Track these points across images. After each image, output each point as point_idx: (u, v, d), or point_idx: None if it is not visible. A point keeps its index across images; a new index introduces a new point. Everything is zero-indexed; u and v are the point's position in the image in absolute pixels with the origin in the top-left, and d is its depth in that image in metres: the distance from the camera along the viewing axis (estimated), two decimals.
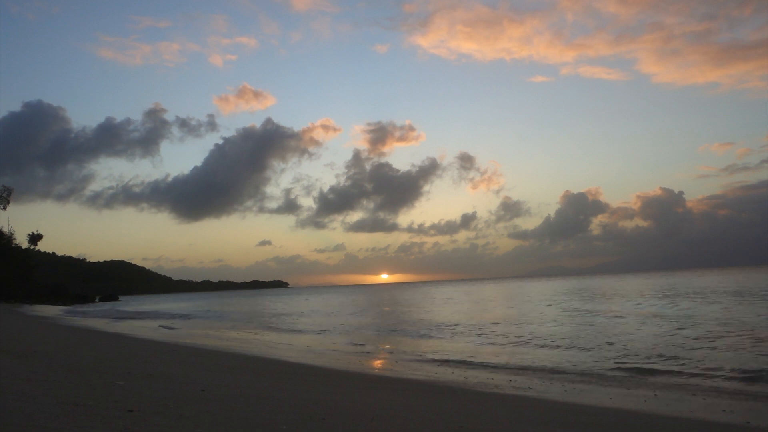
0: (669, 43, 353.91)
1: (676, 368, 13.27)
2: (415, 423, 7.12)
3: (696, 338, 17.84)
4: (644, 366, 13.76)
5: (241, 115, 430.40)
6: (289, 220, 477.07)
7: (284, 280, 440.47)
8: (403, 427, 6.71)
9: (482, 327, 25.92)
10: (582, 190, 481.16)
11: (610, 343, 17.80)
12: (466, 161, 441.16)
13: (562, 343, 18.74)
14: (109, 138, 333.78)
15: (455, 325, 27.21)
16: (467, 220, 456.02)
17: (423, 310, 42.44)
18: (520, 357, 16.24)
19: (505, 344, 19.27)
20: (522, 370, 14.13)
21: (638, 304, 36.71)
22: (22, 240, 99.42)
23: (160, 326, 34.18)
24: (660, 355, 15.08)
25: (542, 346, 18.23)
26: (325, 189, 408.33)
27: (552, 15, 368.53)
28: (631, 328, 21.68)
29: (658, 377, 12.54)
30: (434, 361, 16.12)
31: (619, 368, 13.68)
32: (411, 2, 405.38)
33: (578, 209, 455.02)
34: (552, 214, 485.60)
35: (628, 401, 9.99)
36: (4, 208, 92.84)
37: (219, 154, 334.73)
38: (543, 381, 12.35)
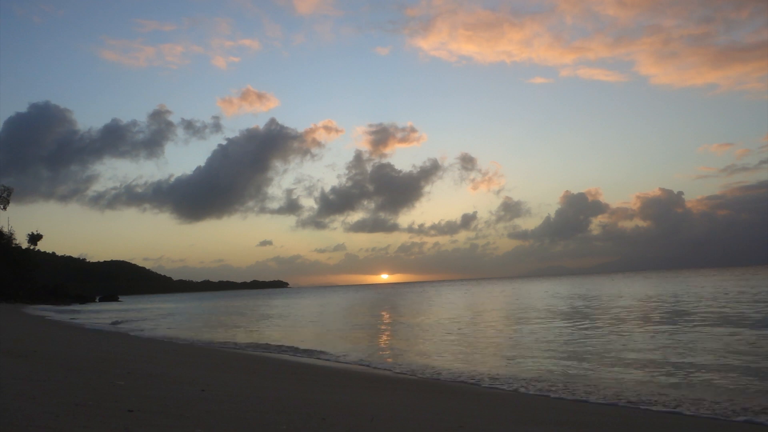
0: (667, 46, 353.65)
1: (675, 368, 13.27)
2: (415, 423, 7.13)
3: (696, 340, 17.86)
4: (642, 365, 13.76)
5: (244, 116, 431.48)
6: (290, 220, 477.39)
7: (284, 280, 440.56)
8: (403, 427, 6.71)
9: (481, 327, 25.96)
10: (582, 191, 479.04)
11: (609, 343, 17.83)
12: (467, 162, 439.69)
13: (561, 342, 18.77)
14: (114, 139, 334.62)
15: (455, 325, 27.23)
16: (468, 221, 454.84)
17: (423, 311, 42.47)
18: (520, 356, 16.24)
19: (505, 345, 19.29)
20: (521, 369, 14.12)
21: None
22: (22, 240, 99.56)
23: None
24: (658, 354, 15.10)
25: (541, 346, 18.25)
26: (327, 189, 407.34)
27: (551, 18, 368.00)
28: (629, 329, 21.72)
29: (657, 376, 12.54)
30: (433, 361, 16.12)
31: (619, 369, 13.69)
32: (413, 6, 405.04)
33: (578, 209, 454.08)
34: (552, 214, 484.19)
35: (631, 399, 9.98)
36: (4, 208, 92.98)
37: (222, 154, 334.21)
38: (542, 381, 12.35)
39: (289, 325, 32.72)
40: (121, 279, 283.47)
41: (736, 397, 9.89)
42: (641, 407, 9.37)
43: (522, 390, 11.26)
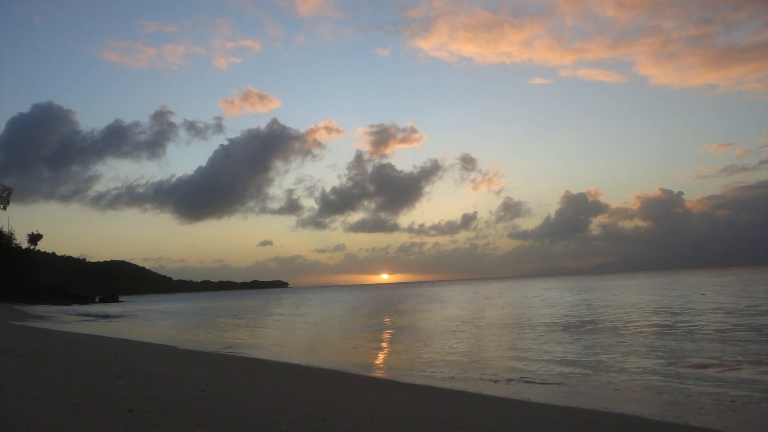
0: (666, 47, 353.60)
1: (676, 373, 13.27)
2: (415, 423, 7.13)
3: (700, 346, 17.87)
4: (647, 371, 13.78)
5: (245, 117, 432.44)
6: (290, 220, 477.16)
7: (284, 280, 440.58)
8: (403, 427, 6.72)
9: (481, 328, 25.97)
10: (582, 191, 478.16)
11: (611, 346, 17.85)
12: (467, 162, 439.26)
13: (561, 347, 18.78)
14: (117, 140, 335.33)
15: (455, 327, 27.25)
16: (468, 221, 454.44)
17: (423, 312, 42.46)
18: (520, 357, 16.25)
19: (505, 346, 19.30)
20: (521, 370, 14.12)
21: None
22: (22, 240, 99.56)
23: None
24: (662, 359, 15.11)
25: (541, 348, 18.25)
26: (327, 189, 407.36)
27: (551, 19, 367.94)
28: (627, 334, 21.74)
29: (661, 382, 12.55)
30: (433, 362, 16.12)
31: (619, 371, 13.70)
32: (413, 8, 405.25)
33: (578, 209, 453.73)
34: (552, 214, 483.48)
35: (630, 405, 9.99)
36: (4, 208, 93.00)
37: (223, 155, 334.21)
38: (543, 382, 12.35)
39: (285, 328, 32.72)
40: (121, 279, 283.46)
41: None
42: (641, 416, 9.37)
43: (521, 392, 11.26)
